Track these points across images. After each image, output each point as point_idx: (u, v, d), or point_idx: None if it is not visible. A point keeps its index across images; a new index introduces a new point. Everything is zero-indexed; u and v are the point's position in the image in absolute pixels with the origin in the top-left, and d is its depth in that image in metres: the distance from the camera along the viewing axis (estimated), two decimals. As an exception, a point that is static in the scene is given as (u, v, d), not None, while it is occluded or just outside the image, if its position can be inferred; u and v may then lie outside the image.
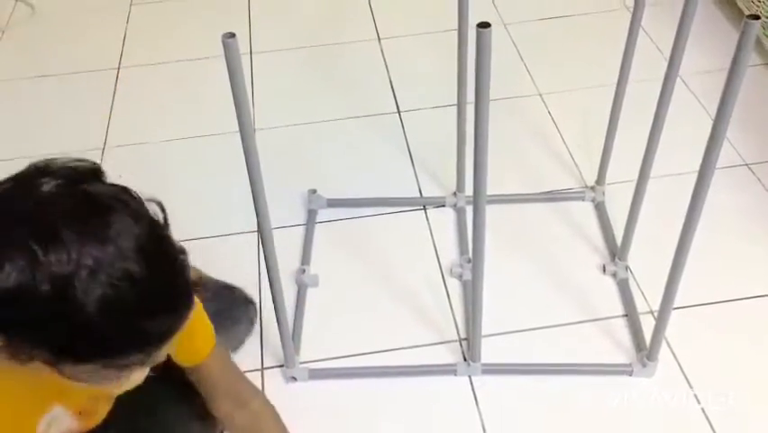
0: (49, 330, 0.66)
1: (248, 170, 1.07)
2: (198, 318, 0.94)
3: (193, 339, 0.94)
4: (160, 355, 0.74)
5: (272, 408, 1.13)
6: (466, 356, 1.40)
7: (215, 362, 1.00)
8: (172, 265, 0.71)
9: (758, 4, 2.01)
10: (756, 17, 0.90)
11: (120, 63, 2.18)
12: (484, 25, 0.91)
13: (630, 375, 1.36)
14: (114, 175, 0.78)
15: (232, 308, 1.39)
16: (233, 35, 0.91)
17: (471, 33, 1.08)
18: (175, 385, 1.02)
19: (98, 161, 1.91)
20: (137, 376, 0.77)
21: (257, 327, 1.47)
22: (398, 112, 1.97)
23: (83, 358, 0.69)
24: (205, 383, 1.01)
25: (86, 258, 0.64)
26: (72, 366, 0.70)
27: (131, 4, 2.40)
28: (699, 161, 1.06)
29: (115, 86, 2.10)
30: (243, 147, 1.04)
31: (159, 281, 0.69)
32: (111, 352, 0.69)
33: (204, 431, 1.08)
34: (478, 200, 1.11)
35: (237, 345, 1.40)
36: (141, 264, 0.67)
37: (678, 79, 1.28)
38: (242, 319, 1.41)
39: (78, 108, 2.03)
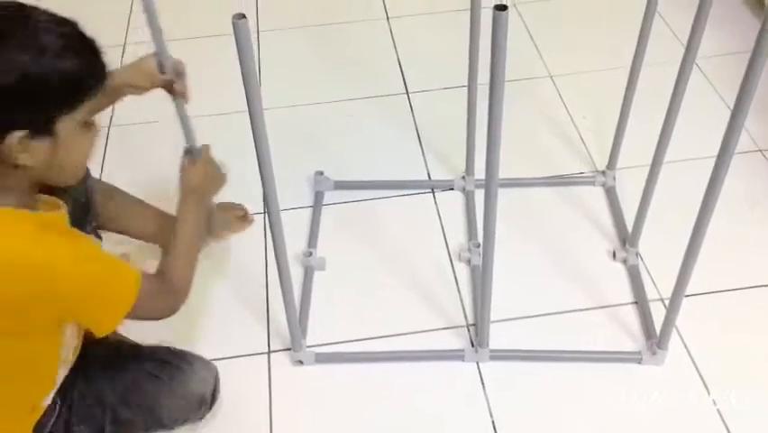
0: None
1: (257, 152, 1.05)
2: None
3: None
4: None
5: None
6: (474, 342, 1.39)
7: None
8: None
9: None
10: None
11: (126, 40, 2.15)
12: (501, 8, 0.88)
13: (639, 363, 1.35)
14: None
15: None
16: (243, 16, 0.89)
17: (484, 14, 1.06)
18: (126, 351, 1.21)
19: (105, 139, 1.86)
20: (87, 142, 1.05)
21: (263, 309, 1.46)
22: (407, 93, 1.95)
23: (50, 110, 0.94)
24: None
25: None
26: (41, 139, 0.93)
27: (136, -19, 2.37)
28: (712, 145, 1.04)
29: (121, 63, 2.07)
30: (253, 129, 1.02)
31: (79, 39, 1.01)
32: (71, 92, 0.97)
33: (155, 389, 1.17)
34: (490, 184, 1.09)
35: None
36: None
37: (692, 63, 1.26)
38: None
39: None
